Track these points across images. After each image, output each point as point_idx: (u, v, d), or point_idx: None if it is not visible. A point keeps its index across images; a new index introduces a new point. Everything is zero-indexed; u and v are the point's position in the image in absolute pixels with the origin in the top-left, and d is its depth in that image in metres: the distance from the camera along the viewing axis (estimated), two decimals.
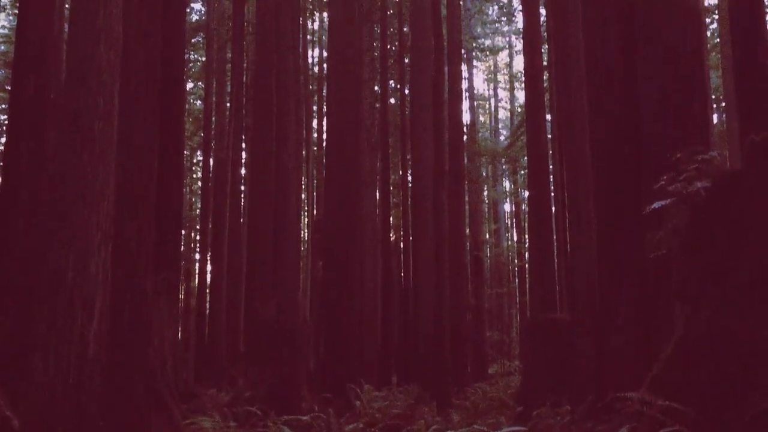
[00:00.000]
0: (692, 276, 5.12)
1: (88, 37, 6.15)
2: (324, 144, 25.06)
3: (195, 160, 37.41)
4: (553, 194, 18.60)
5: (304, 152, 26.98)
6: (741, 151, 5.43)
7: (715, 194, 4.93)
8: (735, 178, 5.09)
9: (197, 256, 30.93)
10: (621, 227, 7.70)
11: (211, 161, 26.08)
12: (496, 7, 36.07)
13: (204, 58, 29.14)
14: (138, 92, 7.91)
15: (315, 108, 32.23)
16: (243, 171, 26.04)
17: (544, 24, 22.09)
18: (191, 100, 33.27)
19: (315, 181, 30.35)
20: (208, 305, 23.83)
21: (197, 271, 27.41)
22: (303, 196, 29.11)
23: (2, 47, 27.57)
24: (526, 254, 32.35)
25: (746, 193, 4.81)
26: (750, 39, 6.30)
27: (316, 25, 34.11)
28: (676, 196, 5.12)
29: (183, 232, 26.29)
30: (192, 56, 31.40)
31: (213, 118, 25.59)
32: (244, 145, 25.07)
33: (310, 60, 32.66)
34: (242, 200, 24.94)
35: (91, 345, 6.27)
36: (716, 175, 5.03)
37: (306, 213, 31.87)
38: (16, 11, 16.67)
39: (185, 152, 22.68)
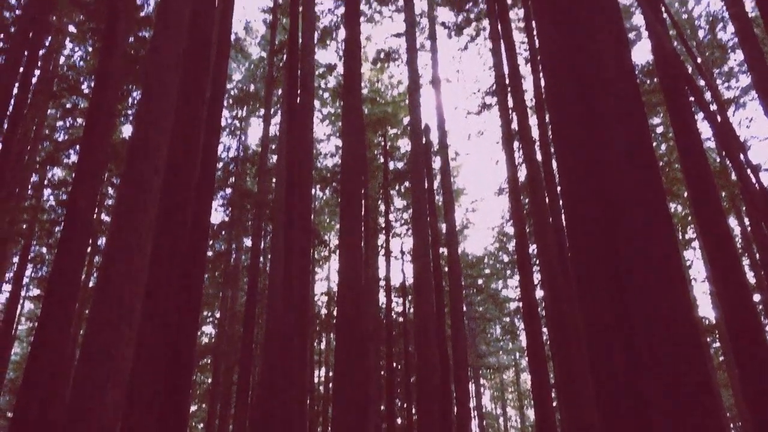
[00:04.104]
0: None
1: (95, 383, 6.18)
2: None
3: None
4: None
5: None
6: None
7: None
8: None
9: None
10: None
11: None
12: (499, 327, 37.10)
13: (210, 380, 29.17)
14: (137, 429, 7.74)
15: (320, 425, 31.38)
16: None
17: (547, 341, 22.46)
18: (193, 423, 32.57)
19: None
20: None
21: None
22: None
23: (11, 374, 27.84)
24: None
25: None
26: (756, 366, 6.32)
27: (323, 345, 34.74)
28: None
29: None
30: (198, 378, 31.48)
31: None
32: None
33: (316, 379, 32.65)
34: None
35: None
36: None
37: None
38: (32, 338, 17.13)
39: None
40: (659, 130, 24.38)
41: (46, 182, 24.82)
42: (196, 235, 10.59)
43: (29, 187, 23.76)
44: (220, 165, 30.70)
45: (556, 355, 19.42)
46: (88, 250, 19.57)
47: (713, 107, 23.21)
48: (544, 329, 21.78)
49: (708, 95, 27.28)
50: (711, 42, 26.36)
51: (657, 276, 5.00)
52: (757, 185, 10.22)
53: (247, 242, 32.11)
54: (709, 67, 26.25)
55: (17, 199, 22.53)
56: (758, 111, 28.56)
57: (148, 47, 21.54)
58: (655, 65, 11.33)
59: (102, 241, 23.61)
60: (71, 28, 25.01)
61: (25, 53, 15.06)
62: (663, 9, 11.98)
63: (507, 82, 22.69)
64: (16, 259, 24.26)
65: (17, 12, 20.65)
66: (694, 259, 26.34)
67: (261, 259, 27.63)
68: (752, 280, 20.71)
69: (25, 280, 24.68)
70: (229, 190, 29.77)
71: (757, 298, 19.56)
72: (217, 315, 30.54)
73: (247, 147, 34.87)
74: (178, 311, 8.94)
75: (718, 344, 24.24)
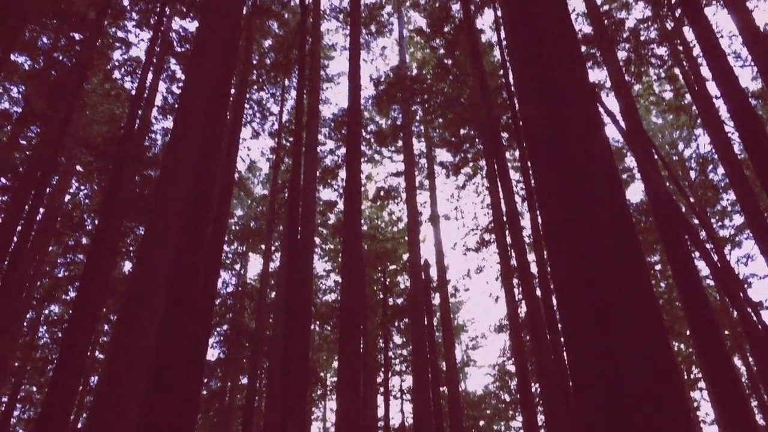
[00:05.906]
0: None
1: None
2: None
3: None
4: None
5: None
6: None
7: None
8: None
9: None
10: None
11: None
12: None
13: None
14: None
15: None
16: None
17: None
18: None
19: None
20: None
21: None
22: None
23: None
24: None
25: None
26: None
27: None
28: None
29: None
30: None
31: None
32: None
33: None
34: None
35: None
36: None
37: None
38: None
39: None
40: (657, 267, 24.49)
41: (42, 319, 24.60)
42: (192, 374, 10.35)
43: (24, 323, 23.51)
44: (218, 301, 30.53)
45: None
46: (80, 389, 19.04)
47: (709, 245, 23.41)
48: None
49: (703, 233, 27.62)
50: (703, 182, 27.07)
51: (664, 418, 4.85)
52: (759, 324, 10.11)
53: (243, 380, 31.32)
54: (702, 207, 26.77)
55: (11, 336, 22.22)
56: (756, 248, 28.82)
57: (154, 187, 22.07)
58: (650, 205, 11.54)
59: (94, 380, 23.06)
60: (78, 167, 25.73)
61: (32, 192, 15.39)
62: (654, 151, 12.38)
63: (505, 219, 23.06)
64: (4, 399, 23.58)
65: (27, 153, 21.31)
66: (702, 401, 25.57)
67: (256, 398, 26.84)
68: (761, 422, 20.01)
69: (12, 420, 23.86)
70: (226, 326, 29.41)
71: None
72: None
73: (246, 282, 34.85)
74: None
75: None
